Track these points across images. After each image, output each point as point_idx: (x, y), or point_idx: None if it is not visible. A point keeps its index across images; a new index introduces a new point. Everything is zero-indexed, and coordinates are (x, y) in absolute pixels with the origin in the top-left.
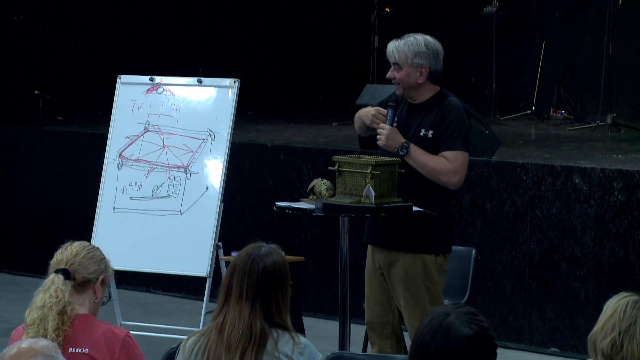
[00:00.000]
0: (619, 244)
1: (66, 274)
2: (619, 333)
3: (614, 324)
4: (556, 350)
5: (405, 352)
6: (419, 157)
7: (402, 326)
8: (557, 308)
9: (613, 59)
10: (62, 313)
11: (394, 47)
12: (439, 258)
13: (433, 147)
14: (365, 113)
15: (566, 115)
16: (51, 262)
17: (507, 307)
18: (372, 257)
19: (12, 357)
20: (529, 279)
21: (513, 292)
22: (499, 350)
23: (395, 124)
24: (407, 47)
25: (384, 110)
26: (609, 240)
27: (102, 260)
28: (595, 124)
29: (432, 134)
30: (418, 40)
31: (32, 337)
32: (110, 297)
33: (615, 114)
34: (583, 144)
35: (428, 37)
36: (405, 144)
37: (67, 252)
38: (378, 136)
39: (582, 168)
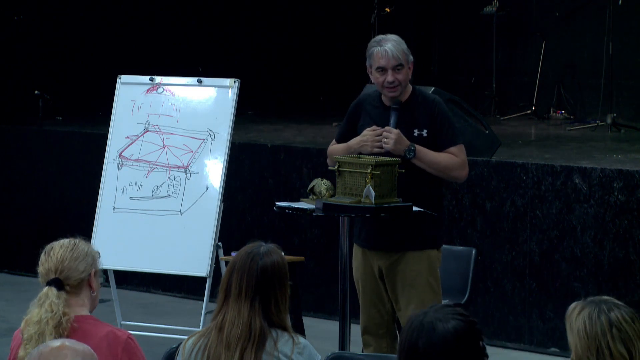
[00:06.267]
0: (619, 244)
1: (58, 284)
2: (592, 356)
3: (584, 350)
4: (556, 350)
5: None
6: (429, 156)
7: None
8: (557, 308)
9: (613, 59)
10: (58, 326)
11: (392, 48)
12: (439, 253)
13: (429, 146)
14: (364, 143)
15: (566, 115)
16: (39, 270)
17: (507, 307)
18: (366, 261)
19: (54, 351)
20: (529, 279)
21: (513, 292)
22: (499, 350)
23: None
24: (402, 46)
25: (377, 129)
26: (609, 240)
27: (88, 253)
28: (595, 124)
29: (426, 133)
30: (399, 39)
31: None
32: (105, 277)
33: (615, 114)
34: (583, 144)
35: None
36: (412, 147)
37: (53, 260)
38: (384, 140)
39: (582, 168)
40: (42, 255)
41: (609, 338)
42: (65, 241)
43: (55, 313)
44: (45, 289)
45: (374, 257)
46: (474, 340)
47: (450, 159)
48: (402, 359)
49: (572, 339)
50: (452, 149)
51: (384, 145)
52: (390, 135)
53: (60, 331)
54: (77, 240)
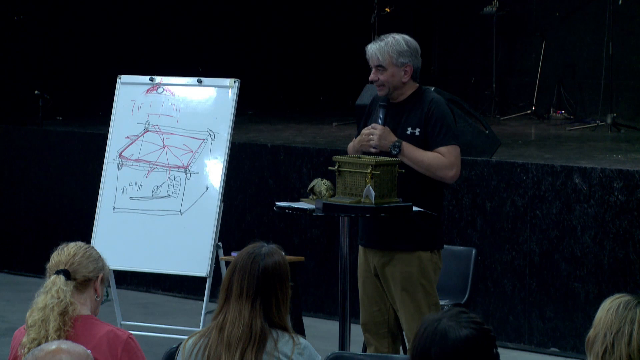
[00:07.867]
0: (619, 244)
1: (67, 274)
2: (610, 334)
3: (605, 325)
4: (556, 350)
5: (401, 351)
6: (414, 154)
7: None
8: (557, 308)
9: (613, 59)
10: (63, 314)
11: (375, 49)
12: (434, 255)
13: (421, 145)
14: (362, 142)
15: (566, 115)
16: (48, 265)
17: (507, 307)
18: (365, 259)
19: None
20: (529, 279)
21: (513, 292)
22: (499, 350)
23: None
24: (389, 48)
25: (368, 129)
26: (609, 240)
27: (99, 258)
28: (595, 124)
29: (419, 132)
30: (398, 40)
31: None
32: (108, 295)
33: (615, 114)
34: (583, 144)
35: (406, 36)
36: (397, 143)
37: (65, 253)
38: (370, 136)
39: (582, 168)
40: (55, 251)
41: (635, 327)
42: (81, 242)
43: (62, 300)
44: (53, 276)
45: (370, 255)
46: (486, 348)
47: (436, 159)
48: None
49: (599, 314)
50: (442, 148)
51: (370, 141)
52: (375, 132)
53: (65, 320)
54: (92, 246)
